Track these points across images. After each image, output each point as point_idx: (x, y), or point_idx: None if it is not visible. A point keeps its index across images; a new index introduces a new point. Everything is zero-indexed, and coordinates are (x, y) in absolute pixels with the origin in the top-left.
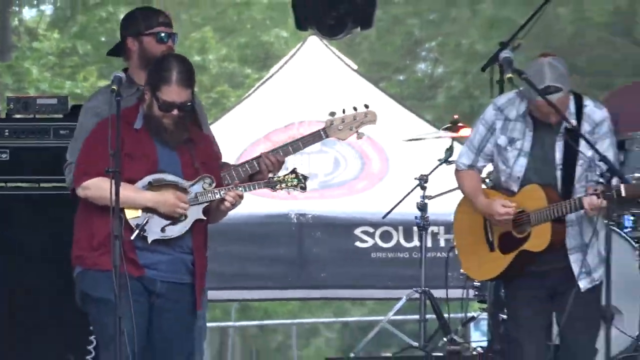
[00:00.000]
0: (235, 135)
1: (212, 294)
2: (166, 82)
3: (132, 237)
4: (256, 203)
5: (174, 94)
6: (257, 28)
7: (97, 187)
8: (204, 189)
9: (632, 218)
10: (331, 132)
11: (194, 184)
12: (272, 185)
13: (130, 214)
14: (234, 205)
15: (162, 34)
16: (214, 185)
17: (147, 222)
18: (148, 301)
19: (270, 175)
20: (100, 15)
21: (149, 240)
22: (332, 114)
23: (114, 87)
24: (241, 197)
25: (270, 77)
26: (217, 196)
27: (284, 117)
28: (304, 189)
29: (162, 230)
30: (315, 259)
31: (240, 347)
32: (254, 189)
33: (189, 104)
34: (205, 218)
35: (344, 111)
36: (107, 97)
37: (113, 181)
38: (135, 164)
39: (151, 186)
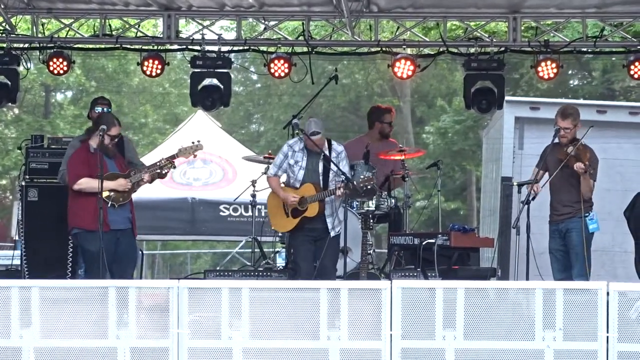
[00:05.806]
0: (160, 156)
1: (145, 237)
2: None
3: (108, 205)
4: (170, 191)
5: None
6: (172, 105)
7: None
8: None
9: (357, 203)
10: (180, 154)
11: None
12: (161, 169)
13: (104, 194)
14: (150, 182)
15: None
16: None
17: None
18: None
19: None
20: None
21: (116, 206)
22: (182, 146)
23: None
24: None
25: (178, 130)
26: (141, 177)
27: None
28: (175, 167)
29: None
30: (201, 220)
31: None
32: (154, 171)
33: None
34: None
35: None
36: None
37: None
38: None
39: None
